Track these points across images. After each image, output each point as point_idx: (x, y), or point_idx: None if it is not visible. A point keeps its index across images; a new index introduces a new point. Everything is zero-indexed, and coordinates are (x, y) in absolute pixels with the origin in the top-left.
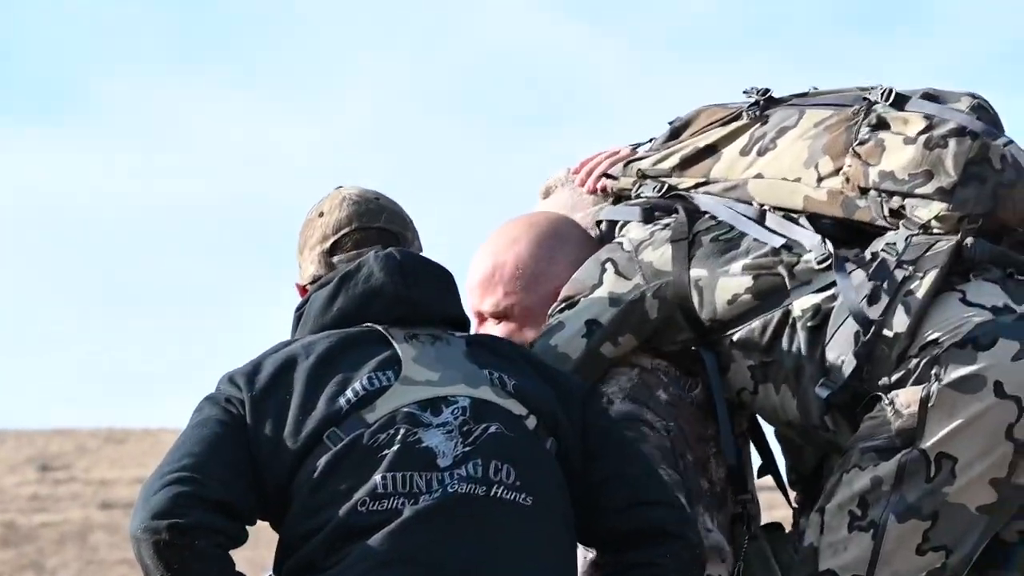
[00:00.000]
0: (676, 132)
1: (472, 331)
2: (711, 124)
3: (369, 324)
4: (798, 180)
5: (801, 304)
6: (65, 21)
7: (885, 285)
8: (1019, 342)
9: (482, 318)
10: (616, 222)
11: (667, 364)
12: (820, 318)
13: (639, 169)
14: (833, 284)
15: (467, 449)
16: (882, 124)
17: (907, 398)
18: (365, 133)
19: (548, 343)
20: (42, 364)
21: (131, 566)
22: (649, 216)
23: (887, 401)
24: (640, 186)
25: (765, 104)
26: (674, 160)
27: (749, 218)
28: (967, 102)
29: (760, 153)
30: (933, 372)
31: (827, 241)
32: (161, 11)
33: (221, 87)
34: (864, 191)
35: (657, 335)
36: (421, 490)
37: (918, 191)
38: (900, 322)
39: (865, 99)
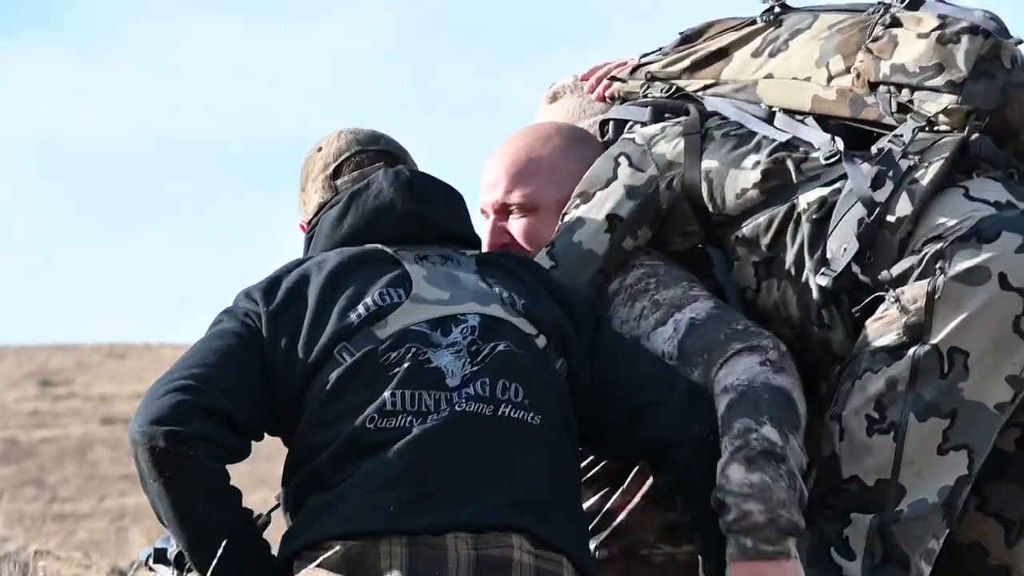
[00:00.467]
0: (686, 40)
1: (488, 226)
2: (724, 31)
3: (379, 245)
4: (808, 79)
5: (807, 198)
6: None
7: (891, 172)
8: (1022, 235)
9: (506, 211)
10: (625, 122)
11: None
12: (825, 211)
13: (648, 72)
14: (840, 179)
15: (475, 368)
16: (896, 23)
17: (913, 293)
18: (358, 55)
19: (571, 240)
20: (42, 280)
21: (132, 481)
22: (659, 116)
23: (892, 299)
24: (648, 88)
25: (781, 9)
26: (684, 63)
27: (758, 118)
28: (980, 11)
29: (772, 55)
30: (938, 265)
31: (836, 139)
32: None
33: (212, 8)
34: (873, 86)
35: (666, 228)
36: (429, 409)
37: (928, 83)
38: (904, 207)
39: (881, 3)
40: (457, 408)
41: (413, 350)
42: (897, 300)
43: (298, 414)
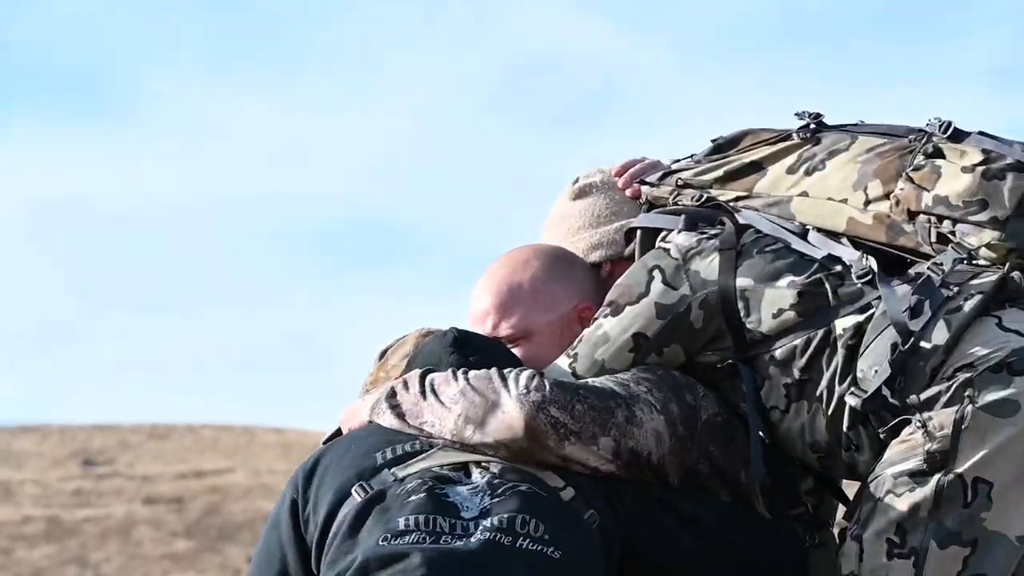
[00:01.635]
0: (719, 148)
1: None
2: (757, 143)
3: None
4: (844, 201)
5: (843, 323)
6: (100, 16)
7: (929, 301)
8: None
9: None
10: (655, 231)
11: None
12: (859, 336)
13: (679, 179)
14: (875, 300)
15: (493, 502)
16: (938, 153)
17: (940, 420)
18: (401, 132)
19: (594, 357)
20: (85, 359)
21: (173, 561)
22: (692, 225)
23: (918, 424)
24: (678, 195)
25: (816, 127)
26: (717, 173)
27: (793, 234)
28: (1020, 145)
29: (808, 173)
30: (967, 394)
31: (868, 256)
32: (198, 10)
33: (258, 87)
34: (913, 215)
35: (696, 342)
36: (444, 530)
37: (971, 218)
38: (939, 336)
39: (921, 130)
40: (473, 539)
41: (430, 483)
42: (924, 426)
43: (320, 557)
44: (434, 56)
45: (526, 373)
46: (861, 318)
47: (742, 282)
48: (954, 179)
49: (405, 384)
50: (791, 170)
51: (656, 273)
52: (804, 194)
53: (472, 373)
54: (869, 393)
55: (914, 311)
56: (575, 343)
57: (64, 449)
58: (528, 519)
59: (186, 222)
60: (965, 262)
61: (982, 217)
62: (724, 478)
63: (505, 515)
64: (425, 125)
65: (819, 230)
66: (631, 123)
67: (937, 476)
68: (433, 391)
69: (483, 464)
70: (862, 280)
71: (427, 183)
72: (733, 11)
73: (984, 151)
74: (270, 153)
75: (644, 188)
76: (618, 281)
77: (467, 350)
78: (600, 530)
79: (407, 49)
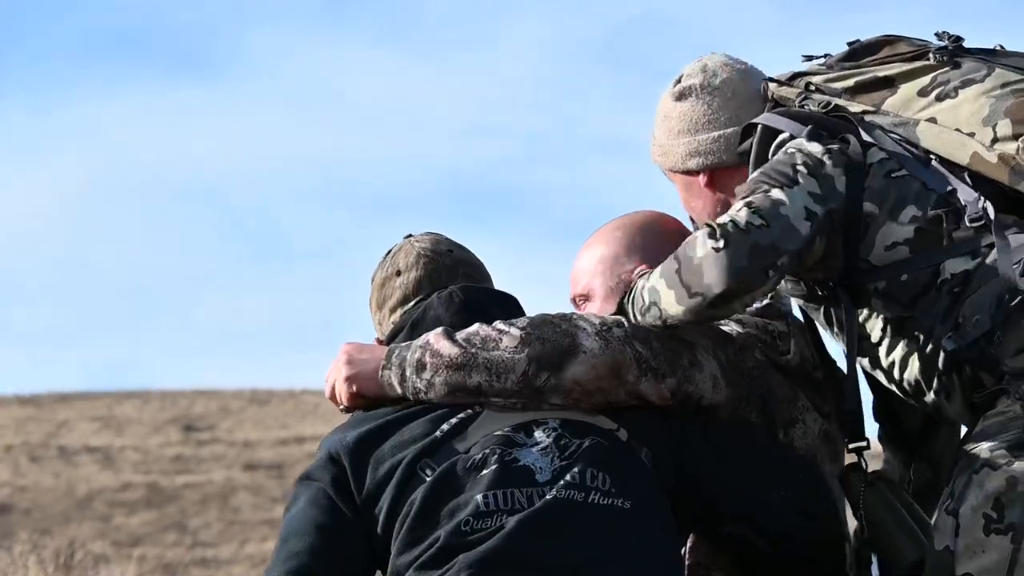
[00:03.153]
0: (854, 54)
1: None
2: (893, 56)
3: None
4: (971, 135)
5: (952, 267)
6: None
7: None
8: None
9: (576, 303)
10: (775, 131)
11: (759, 330)
12: (966, 282)
13: (809, 82)
14: (987, 247)
15: (564, 463)
16: None
17: None
18: (511, 89)
19: (777, 211)
20: (187, 324)
21: (272, 527)
22: (816, 135)
23: (1016, 395)
24: (805, 99)
25: (954, 51)
26: (848, 83)
27: (916, 159)
28: None
29: (939, 98)
30: None
31: (986, 201)
32: None
33: (364, 45)
34: None
35: (815, 256)
36: (523, 505)
37: None
38: None
39: None
40: (548, 497)
41: (499, 451)
42: (1021, 398)
43: (389, 537)
44: (543, 14)
45: (592, 313)
46: (971, 264)
47: (868, 207)
48: None
49: (439, 340)
50: (923, 92)
51: (801, 168)
52: (932, 120)
53: (526, 320)
54: (967, 340)
55: None
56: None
57: (164, 415)
58: (596, 472)
59: (290, 183)
60: None
61: None
62: (770, 420)
63: (577, 471)
64: (531, 83)
65: (941, 160)
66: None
67: None
68: (483, 345)
69: (540, 420)
70: (976, 224)
71: (538, 144)
72: None
73: None
74: (373, 112)
75: (771, 85)
76: (764, 168)
77: (476, 316)
78: (655, 467)
79: (515, 8)
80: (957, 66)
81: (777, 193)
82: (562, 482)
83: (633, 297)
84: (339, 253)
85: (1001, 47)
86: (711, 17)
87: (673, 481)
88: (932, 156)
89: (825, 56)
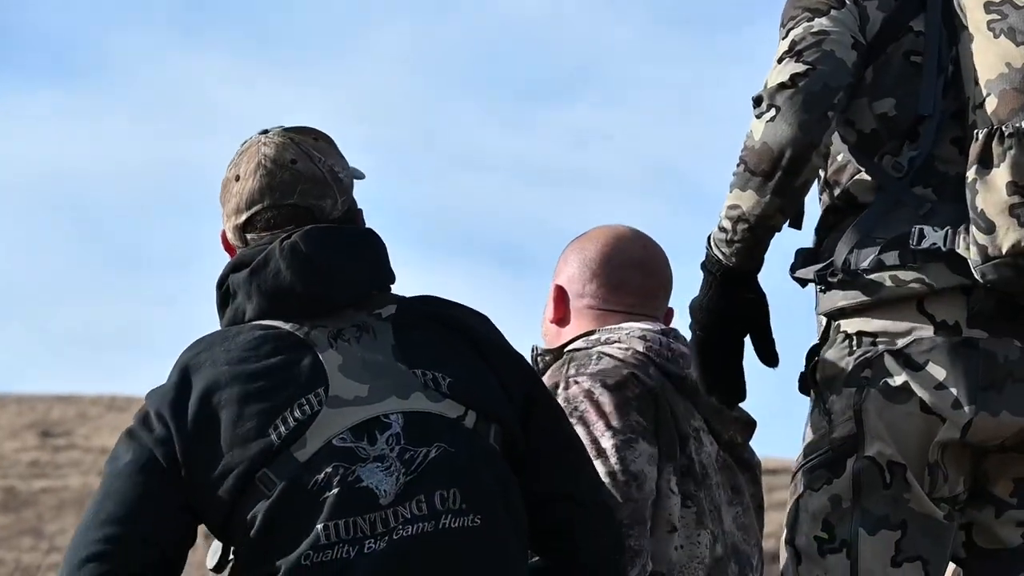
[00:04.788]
0: None
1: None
2: None
3: (288, 328)
4: None
5: None
6: None
7: None
8: None
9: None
10: None
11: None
12: None
13: None
14: None
15: (409, 479)
16: None
17: (841, 405)
18: (370, 104)
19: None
20: (45, 329)
21: None
22: None
23: (823, 408)
24: None
25: None
26: None
27: None
28: None
29: None
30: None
31: None
32: None
33: (227, 54)
34: None
35: None
36: (366, 534)
37: None
38: None
39: None
40: (395, 536)
41: (341, 470)
42: (828, 413)
43: (228, 531)
44: (404, 27)
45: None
46: None
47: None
48: None
49: None
50: None
51: None
52: None
53: None
54: None
55: None
56: None
57: (22, 420)
58: (446, 493)
59: (152, 190)
60: None
61: None
62: None
63: (423, 497)
64: (391, 97)
65: None
66: (608, 96)
67: (850, 462)
68: None
69: (383, 420)
70: None
71: (395, 157)
72: None
73: None
74: (232, 119)
75: None
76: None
77: (322, 277)
78: (505, 442)
79: (376, 20)
80: None
81: (820, 22)
82: (408, 512)
83: (713, 238)
84: (198, 260)
85: None
86: (578, 33)
87: (523, 448)
88: None
89: None
